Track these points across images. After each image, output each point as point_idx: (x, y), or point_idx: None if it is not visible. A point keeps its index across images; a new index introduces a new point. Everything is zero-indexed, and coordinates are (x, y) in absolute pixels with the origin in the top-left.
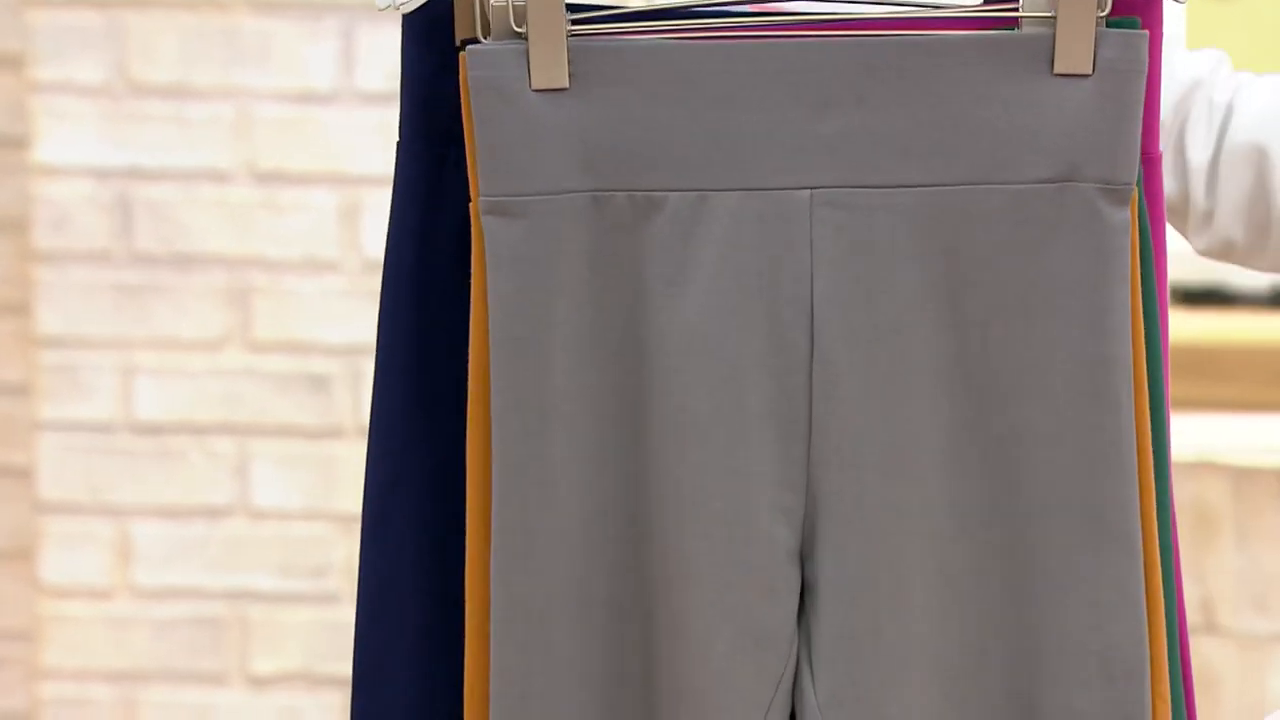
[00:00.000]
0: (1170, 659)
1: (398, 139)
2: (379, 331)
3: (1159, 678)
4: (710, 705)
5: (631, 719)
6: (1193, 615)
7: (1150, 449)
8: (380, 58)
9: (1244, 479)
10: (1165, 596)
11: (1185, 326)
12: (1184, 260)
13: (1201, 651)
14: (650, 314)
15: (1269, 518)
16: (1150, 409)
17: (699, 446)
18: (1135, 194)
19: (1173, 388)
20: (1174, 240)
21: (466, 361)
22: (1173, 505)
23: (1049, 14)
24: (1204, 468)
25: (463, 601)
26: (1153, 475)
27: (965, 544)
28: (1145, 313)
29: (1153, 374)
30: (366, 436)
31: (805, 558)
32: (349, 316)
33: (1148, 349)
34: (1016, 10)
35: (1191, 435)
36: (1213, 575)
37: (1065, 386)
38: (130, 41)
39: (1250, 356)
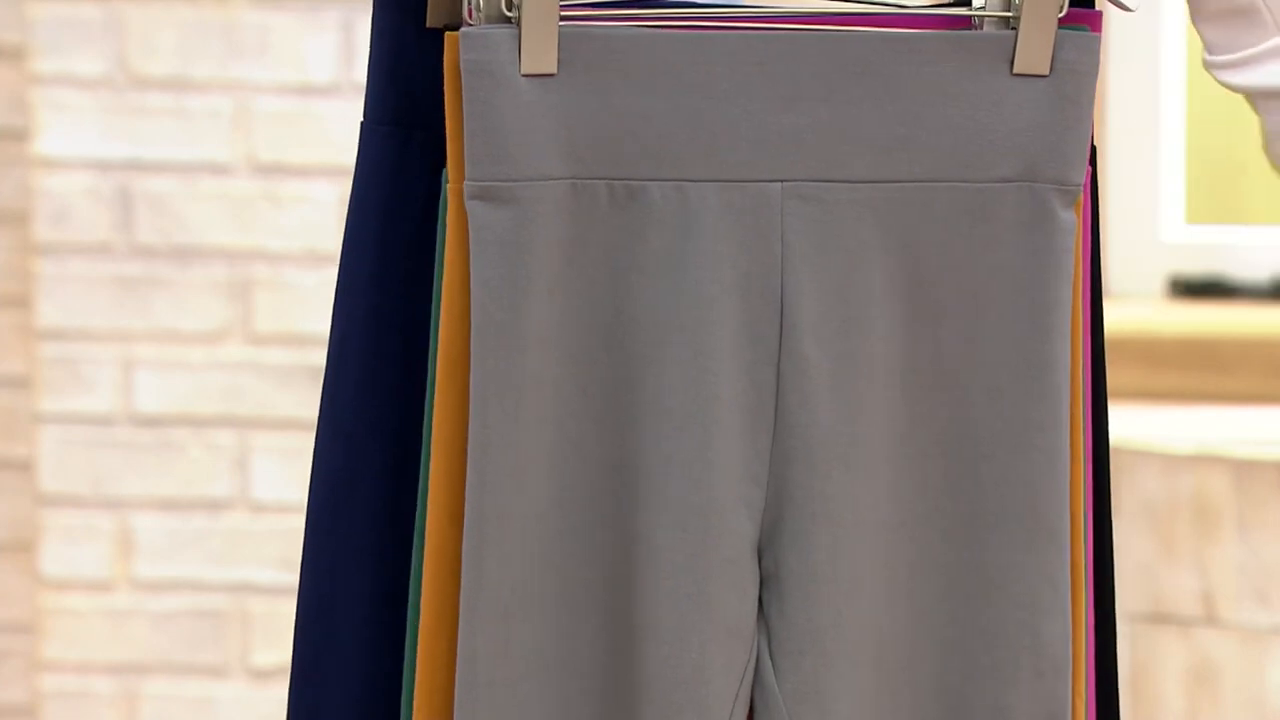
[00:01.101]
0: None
1: (361, 118)
2: (333, 317)
3: (1079, 674)
4: (681, 699)
5: (600, 708)
6: (1194, 608)
7: (1080, 448)
8: None
9: (1245, 471)
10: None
11: (1185, 319)
12: (1184, 253)
13: (1202, 644)
14: (626, 303)
15: (1270, 510)
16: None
17: (671, 437)
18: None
19: (1173, 380)
20: (1172, 235)
21: (423, 351)
22: (1089, 500)
23: (1010, 14)
24: (1205, 460)
25: (406, 594)
26: (1081, 474)
27: (912, 539)
28: (1081, 311)
29: (1080, 372)
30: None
31: (764, 550)
32: None
33: (1082, 348)
34: (978, 10)
35: (1192, 428)
36: (1214, 568)
37: (1010, 384)
38: (130, 34)
39: (1251, 348)
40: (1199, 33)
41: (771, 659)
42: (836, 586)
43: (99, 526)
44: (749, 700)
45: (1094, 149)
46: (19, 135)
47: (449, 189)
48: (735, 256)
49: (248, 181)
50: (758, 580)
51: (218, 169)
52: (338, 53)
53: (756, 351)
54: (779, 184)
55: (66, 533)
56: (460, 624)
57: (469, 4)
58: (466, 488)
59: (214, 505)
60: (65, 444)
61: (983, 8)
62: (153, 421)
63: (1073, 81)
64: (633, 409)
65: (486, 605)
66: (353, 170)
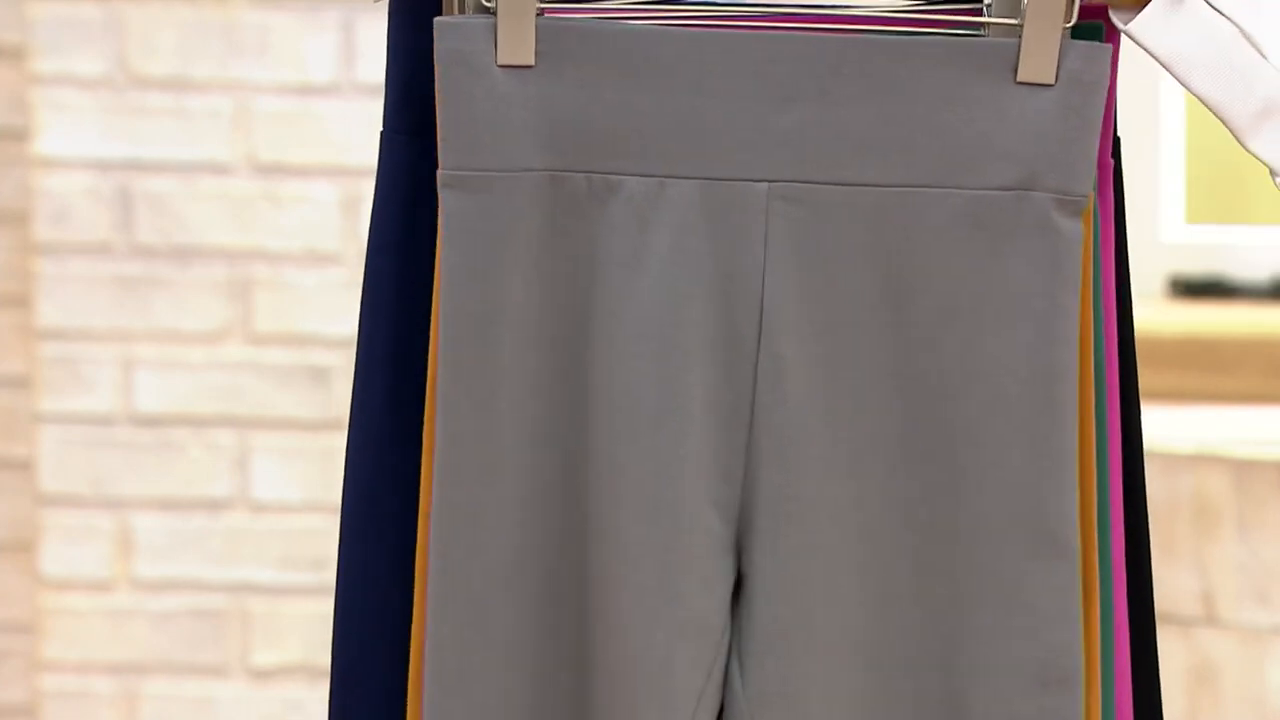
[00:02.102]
0: (1105, 665)
1: (381, 127)
2: (360, 324)
3: (1092, 684)
4: (644, 692)
5: (566, 701)
6: (1194, 608)
7: (1093, 457)
8: (380, 50)
9: (1244, 471)
10: (1104, 602)
11: (1185, 318)
12: (1184, 253)
13: (1202, 644)
14: (602, 297)
15: (1270, 510)
16: (1096, 416)
17: (643, 433)
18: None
19: (1173, 380)
20: (1172, 235)
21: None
22: (1115, 510)
23: (1015, 22)
24: (1204, 460)
25: None
26: (1094, 483)
27: (903, 545)
28: (1094, 320)
29: (1099, 380)
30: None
31: (741, 550)
32: (350, 309)
33: (1095, 356)
34: (982, 16)
35: (1192, 428)
36: (1213, 568)
37: (1011, 394)
38: (130, 34)
39: (1251, 348)
40: (1255, 156)
41: (739, 659)
42: (807, 589)
43: (99, 526)
44: (719, 699)
45: (1118, 140)
46: (19, 135)
47: (445, 176)
48: (716, 254)
49: (248, 181)
50: (731, 579)
51: (218, 169)
52: (337, 53)
53: (734, 350)
54: (764, 184)
55: (66, 533)
56: (428, 615)
57: (458, 1)
58: (434, 480)
59: (214, 505)
60: (65, 444)
61: (989, 8)
62: (153, 421)
63: (1079, 92)
64: (605, 402)
65: (453, 596)
66: (353, 170)
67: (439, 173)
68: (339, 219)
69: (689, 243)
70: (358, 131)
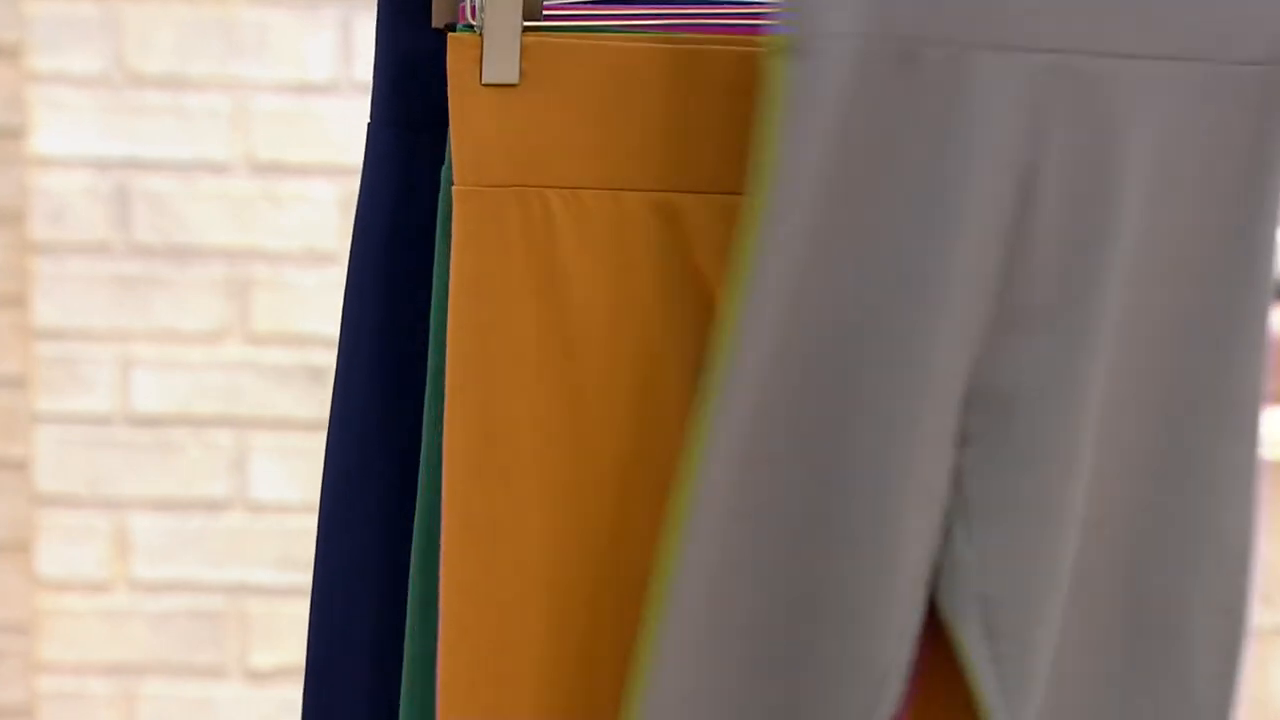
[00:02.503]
0: None
1: (369, 120)
2: (343, 320)
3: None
4: (886, 549)
5: (799, 566)
6: None
7: None
8: None
9: None
10: None
11: None
12: None
13: None
14: (884, 167)
15: (1271, 510)
16: None
17: (913, 302)
18: None
19: None
20: None
21: (434, 353)
22: None
23: None
24: None
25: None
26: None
27: (1111, 415)
28: None
29: None
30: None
31: (969, 413)
32: None
33: None
34: None
35: None
36: None
37: (1223, 271)
38: (128, 32)
39: None
40: None
41: (967, 522)
42: (1037, 453)
43: (96, 527)
44: (937, 563)
45: None
46: (16, 133)
47: (454, 191)
48: (991, 122)
49: (246, 181)
50: (959, 441)
51: (216, 168)
52: (336, 51)
53: (1000, 218)
54: (1041, 54)
55: (64, 533)
56: (685, 531)
57: (469, 3)
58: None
59: (212, 505)
60: (63, 444)
61: None
62: (151, 421)
63: None
64: (867, 263)
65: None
66: (352, 169)
67: (777, 37)
68: (338, 218)
69: (972, 110)
70: (357, 130)
